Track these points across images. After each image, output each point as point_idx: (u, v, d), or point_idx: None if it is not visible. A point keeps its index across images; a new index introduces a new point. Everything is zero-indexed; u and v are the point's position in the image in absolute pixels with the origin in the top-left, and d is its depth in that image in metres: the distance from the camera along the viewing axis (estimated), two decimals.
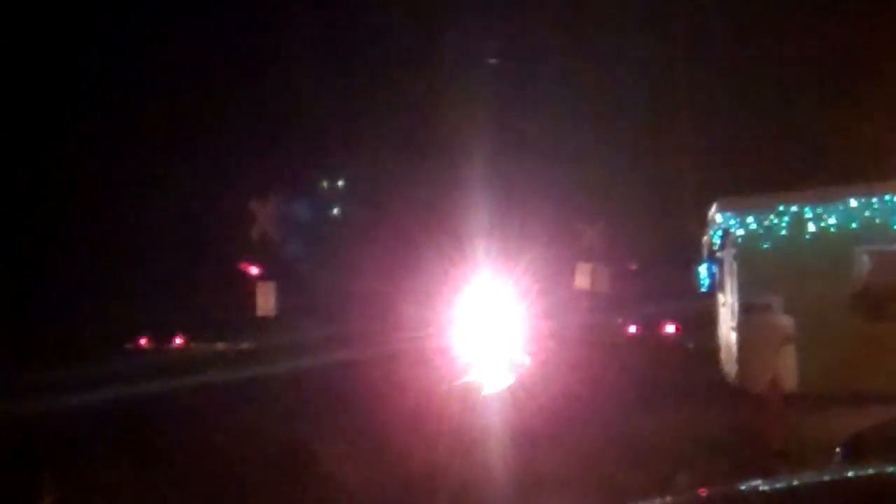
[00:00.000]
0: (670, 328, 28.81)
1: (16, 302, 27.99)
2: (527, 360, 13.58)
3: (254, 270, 36.88)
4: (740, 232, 18.24)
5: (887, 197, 17.47)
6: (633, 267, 33.17)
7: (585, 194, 29.44)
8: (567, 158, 30.32)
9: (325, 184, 42.75)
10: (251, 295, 35.41)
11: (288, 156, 37.98)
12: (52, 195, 31.69)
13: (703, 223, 21.23)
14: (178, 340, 33.65)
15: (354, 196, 39.53)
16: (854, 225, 17.51)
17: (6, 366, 21.97)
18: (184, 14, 33.67)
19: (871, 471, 4.40)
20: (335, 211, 41.88)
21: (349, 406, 13.04)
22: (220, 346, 32.30)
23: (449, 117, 28.64)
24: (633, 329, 28.81)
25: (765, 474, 4.27)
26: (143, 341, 33.38)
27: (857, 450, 6.40)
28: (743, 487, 3.99)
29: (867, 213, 17.49)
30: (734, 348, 18.15)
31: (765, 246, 17.88)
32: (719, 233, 19.61)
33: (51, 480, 6.12)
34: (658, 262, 30.80)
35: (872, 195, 17.54)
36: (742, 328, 17.63)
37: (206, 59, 34.80)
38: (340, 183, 42.39)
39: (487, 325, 13.75)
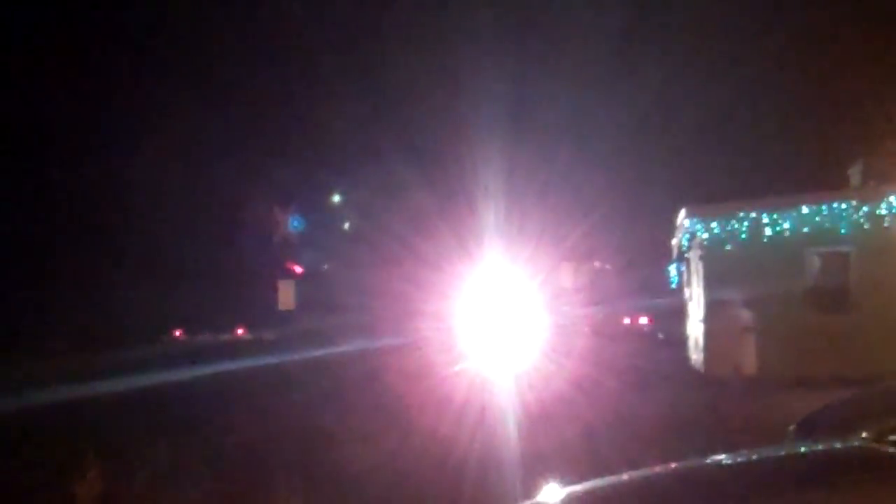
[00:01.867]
0: (644, 320, 28.85)
1: (71, 299, 28.05)
2: (525, 347, 13.61)
3: (298, 269, 37.02)
4: (705, 235, 18.24)
5: (835, 205, 17.52)
6: (609, 266, 33.22)
7: (571, 203, 29.49)
8: (557, 172, 30.42)
9: (336, 198, 42.75)
10: (274, 291, 35.44)
11: (306, 171, 38.16)
12: (108, 206, 31.72)
13: (673, 228, 21.25)
14: (210, 332, 33.67)
15: (368, 204, 39.53)
16: (806, 229, 17.54)
17: (56, 354, 22.01)
18: (222, 39, 33.80)
19: (821, 447, 4.44)
20: (346, 224, 41.89)
21: (366, 389, 13.06)
22: (248, 336, 32.33)
23: (452, 136, 28.71)
24: (609, 321, 28.81)
25: (728, 449, 4.31)
26: (177, 333, 33.41)
27: (809, 428, 6.43)
28: (708, 461, 4.04)
29: (817, 219, 17.53)
30: (700, 338, 18.17)
31: (727, 248, 17.89)
32: (687, 236, 19.61)
33: (93, 455, 6.14)
34: (633, 262, 30.86)
35: (822, 203, 17.58)
36: (707, 320, 17.66)
37: (240, 89, 35.04)
38: (350, 195, 42.44)
39: (490, 316, 13.78)
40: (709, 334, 17.52)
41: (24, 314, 26.93)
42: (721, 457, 4.04)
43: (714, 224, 18.07)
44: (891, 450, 3.47)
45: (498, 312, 14.16)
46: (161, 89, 34.02)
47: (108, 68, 33.89)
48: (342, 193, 42.33)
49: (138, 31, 34.82)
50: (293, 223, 40.00)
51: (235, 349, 27.36)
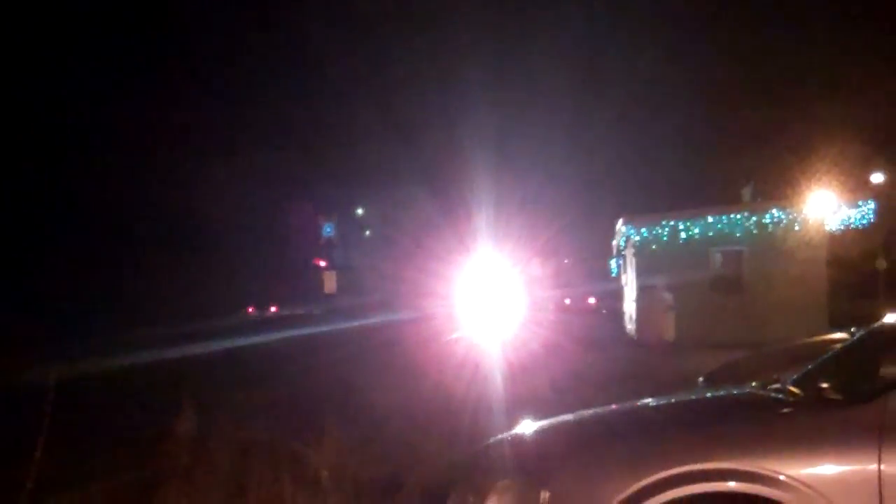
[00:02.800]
0: (591, 300, 28.89)
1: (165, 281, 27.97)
2: (507, 320, 13.61)
3: (322, 263, 37.16)
4: (637, 238, 18.30)
5: (732, 216, 17.64)
6: (568, 260, 33.26)
7: (542, 212, 29.62)
8: (532, 189, 30.62)
9: (359, 210, 42.68)
10: (320, 279, 35.37)
11: (341, 190, 38.24)
12: (202, 216, 31.56)
13: (613, 232, 21.30)
14: (273, 308, 33.71)
15: (386, 213, 39.57)
16: (711, 234, 17.62)
17: (155, 323, 21.84)
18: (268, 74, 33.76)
19: (722, 392, 4.50)
20: (367, 231, 41.84)
21: (388, 350, 13.04)
22: (301, 311, 32.35)
23: (452, 160, 28.76)
24: (568, 301, 28.88)
25: (654, 394, 4.35)
26: (250, 309, 33.44)
27: (713, 379, 6.49)
28: (639, 403, 4.09)
29: (719, 226, 17.62)
30: (633, 313, 18.23)
31: (653, 247, 17.94)
32: (623, 238, 19.65)
33: (188, 401, 6.13)
34: (583, 257, 30.91)
35: (722, 215, 17.69)
36: (639, 300, 17.71)
37: (294, 127, 34.95)
38: (370, 208, 42.34)
39: (482, 297, 13.77)
40: (639, 311, 17.57)
41: (135, 295, 26.92)
42: (648, 399, 4.08)
43: (643, 229, 18.13)
44: (771, 395, 3.54)
45: (487, 294, 14.17)
46: (239, 127, 34.08)
47: (196, 109, 33.87)
48: (363, 207, 42.35)
49: (219, 67, 34.70)
50: (330, 229, 40.17)
51: (293, 321, 27.39)
